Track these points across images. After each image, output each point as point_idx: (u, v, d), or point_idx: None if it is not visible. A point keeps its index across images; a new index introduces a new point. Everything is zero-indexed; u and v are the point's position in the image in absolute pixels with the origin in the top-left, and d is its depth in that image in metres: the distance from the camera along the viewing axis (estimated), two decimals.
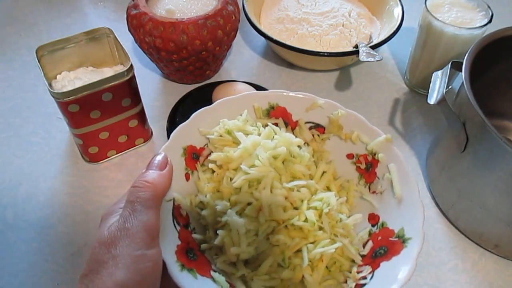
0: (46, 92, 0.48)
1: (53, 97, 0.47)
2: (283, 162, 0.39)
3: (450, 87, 0.65)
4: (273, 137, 0.40)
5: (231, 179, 0.39)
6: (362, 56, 0.61)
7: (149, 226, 0.31)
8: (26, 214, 0.51)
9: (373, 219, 0.40)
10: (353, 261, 0.38)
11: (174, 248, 0.34)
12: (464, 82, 0.45)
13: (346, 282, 0.36)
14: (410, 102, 0.66)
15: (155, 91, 0.66)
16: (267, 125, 0.41)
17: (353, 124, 0.42)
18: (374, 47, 0.63)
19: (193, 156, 0.41)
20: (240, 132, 0.40)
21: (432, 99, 0.47)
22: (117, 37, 0.53)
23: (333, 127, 0.42)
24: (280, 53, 0.70)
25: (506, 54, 0.53)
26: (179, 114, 0.60)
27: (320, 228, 0.37)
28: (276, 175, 0.38)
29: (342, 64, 0.69)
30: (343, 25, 0.68)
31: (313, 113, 0.43)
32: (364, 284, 0.34)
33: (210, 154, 0.41)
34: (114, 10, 0.80)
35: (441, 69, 0.51)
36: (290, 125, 0.44)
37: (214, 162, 0.41)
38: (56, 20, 0.78)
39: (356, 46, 0.65)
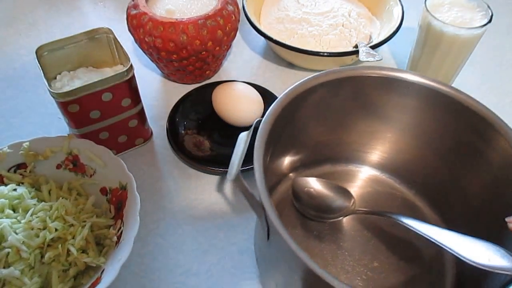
0: (46, 92, 0.48)
1: (53, 97, 0.47)
2: (14, 211, 0.43)
3: None
4: None
5: None
6: (362, 56, 0.61)
7: None
8: None
9: (103, 191, 0.48)
10: (109, 225, 0.46)
11: None
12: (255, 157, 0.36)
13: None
14: None
15: (155, 91, 0.66)
16: None
17: (40, 145, 0.48)
18: (374, 47, 0.63)
19: None
20: None
21: (231, 174, 0.35)
22: (117, 37, 0.53)
23: (29, 157, 0.48)
24: (280, 53, 0.70)
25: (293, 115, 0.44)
26: (179, 114, 0.60)
27: (72, 225, 0.44)
28: (12, 220, 0.42)
29: (342, 64, 0.69)
30: (343, 25, 0.68)
31: (7, 161, 0.47)
32: (122, 233, 0.43)
33: None
34: (114, 10, 0.80)
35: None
36: None
37: None
38: (56, 20, 0.78)
39: (356, 46, 0.65)
